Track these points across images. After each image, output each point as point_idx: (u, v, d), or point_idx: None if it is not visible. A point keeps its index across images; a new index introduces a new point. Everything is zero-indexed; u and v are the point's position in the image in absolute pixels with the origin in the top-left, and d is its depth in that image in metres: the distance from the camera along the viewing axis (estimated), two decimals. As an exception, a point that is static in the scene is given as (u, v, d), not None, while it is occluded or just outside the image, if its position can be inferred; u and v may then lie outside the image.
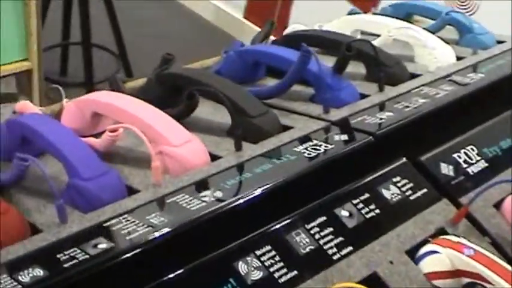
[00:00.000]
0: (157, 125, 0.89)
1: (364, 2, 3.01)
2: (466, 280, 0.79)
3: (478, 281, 0.78)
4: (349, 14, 1.48)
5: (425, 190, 0.90)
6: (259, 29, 1.33)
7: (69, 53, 3.24)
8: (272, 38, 1.34)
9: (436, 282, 0.80)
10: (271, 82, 1.17)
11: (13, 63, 2.47)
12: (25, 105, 0.99)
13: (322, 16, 1.45)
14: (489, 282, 0.77)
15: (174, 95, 1.05)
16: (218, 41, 3.71)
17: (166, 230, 0.74)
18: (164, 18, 4.05)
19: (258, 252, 0.75)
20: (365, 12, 1.50)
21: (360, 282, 0.76)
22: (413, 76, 1.19)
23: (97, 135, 0.94)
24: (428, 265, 0.81)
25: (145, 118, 0.90)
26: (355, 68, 1.19)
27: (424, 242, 0.84)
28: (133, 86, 1.12)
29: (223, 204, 0.79)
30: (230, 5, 4.00)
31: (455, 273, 0.80)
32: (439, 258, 0.80)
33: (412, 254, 0.82)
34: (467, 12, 2.82)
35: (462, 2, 2.86)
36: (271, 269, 0.74)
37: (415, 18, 1.52)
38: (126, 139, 0.95)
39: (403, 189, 0.89)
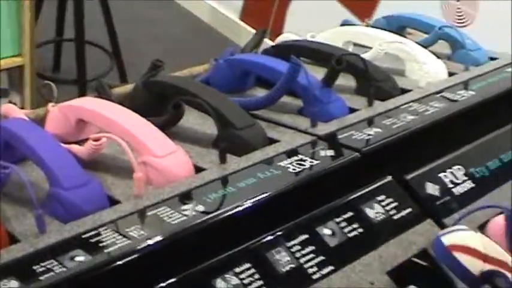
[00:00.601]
0: (141, 135, 0.88)
1: (361, 9, 3.01)
2: (488, 267, 0.78)
3: (502, 269, 0.77)
4: (342, 25, 1.47)
5: (409, 210, 0.90)
6: (255, 31, 1.33)
7: (63, 50, 3.23)
8: (270, 43, 1.32)
9: (456, 254, 0.78)
10: (260, 92, 1.16)
11: (5, 58, 2.46)
12: (10, 109, 0.98)
13: (318, 20, 1.45)
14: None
15: (160, 102, 1.04)
16: (214, 42, 3.70)
17: (145, 244, 0.73)
18: (161, 18, 4.04)
19: (237, 270, 0.74)
20: (361, 19, 1.49)
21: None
22: (404, 91, 1.18)
23: (81, 142, 0.93)
24: (457, 238, 0.81)
25: (129, 127, 0.89)
26: (346, 80, 1.19)
27: (406, 263, 0.83)
28: (121, 91, 1.11)
29: (204, 219, 0.78)
30: (227, 7, 3.99)
31: (482, 256, 0.79)
32: (472, 236, 0.80)
33: (394, 275, 0.81)
34: (463, 24, 2.82)
35: (458, 14, 2.87)
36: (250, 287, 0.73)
37: (408, 31, 1.51)
38: (110, 146, 0.94)
39: (387, 208, 0.88)
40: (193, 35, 3.90)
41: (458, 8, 2.87)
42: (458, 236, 0.81)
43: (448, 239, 0.80)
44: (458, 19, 2.85)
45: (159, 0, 4.19)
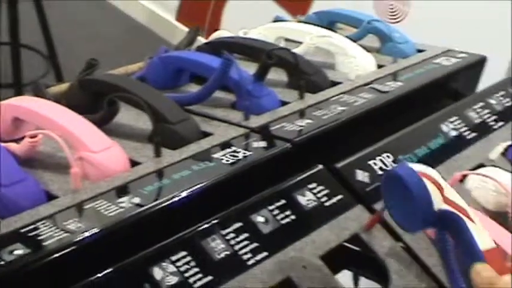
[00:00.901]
0: (76, 131, 0.90)
1: (296, 8, 3.04)
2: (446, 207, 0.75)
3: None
4: (274, 21, 1.50)
5: (340, 196, 0.92)
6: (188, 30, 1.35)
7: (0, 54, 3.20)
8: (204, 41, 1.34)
9: (425, 180, 0.75)
10: (194, 88, 1.18)
11: None
12: None
13: (255, 18, 1.47)
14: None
15: (96, 100, 1.05)
16: (149, 43, 3.71)
17: (83, 236, 0.75)
18: (96, 19, 4.03)
19: (174, 258, 0.76)
20: (293, 15, 1.52)
21: (273, 287, 0.78)
22: (334, 84, 1.21)
23: (18, 140, 0.94)
24: (422, 168, 0.77)
25: (65, 124, 0.90)
26: (277, 75, 1.21)
27: (339, 248, 0.86)
28: (58, 91, 1.13)
29: (140, 210, 0.80)
30: (162, 8, 4.00)
31: (443, 196, 0.76)
32: (436, 173, 0.77)
33: (326, 259, 0.84)
34: (396, 20, 2.86)
35: (391, 10, 2.90)
36: (186, 274, 0.75)
37: (339, 26, 1.54)
38: (47, 144, 0.95)
39: (319, 195, 0.91)
40: (128, 36, 3.89)
41: (391, 5, 2.90)
42: (423, 167, 0.77)
43: (415, 166, 0.77)
44: (391, 16, 2.88)
45: (93, 1, 4.18)
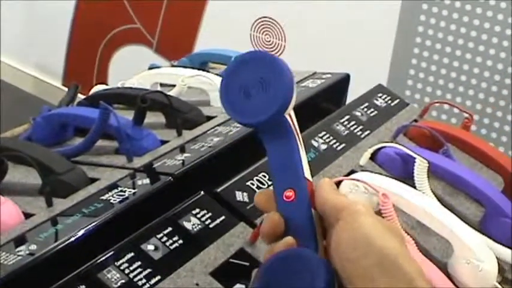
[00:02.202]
0: (-31, 193, 0.96)
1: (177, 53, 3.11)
2: None
3: None
4: (149, 68, 1.58)
5: (223, 217, 1.00)
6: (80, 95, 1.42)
7: None
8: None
9: None
10: (79, 141, 1.25)
11: None
12: None
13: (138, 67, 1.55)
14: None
15: (-14, 164, 1.11)
16: (38, 110, 3.71)
17: (-15, 286, 0.81)
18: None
19: (73, 292, 0.83)
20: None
21: (168, 306, 0.85)
22: (209, 118, 1.30)
23: None
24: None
25: (-43, 188, 0.96)
26: (156, 117, 1.29)
27: (226, 263, 0.94)
28: None
29: (38, 254, 0.86)
30: (48, 74, 4.02)
31: None
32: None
33: (216, 275, 0.91)
34: (275, 53, 2.96)
35: (268, 44, 3.01)
36: (87, 306, 0.82)
37: (211, 66, 1.63)
38: None
39: (203, 219, 0.98)
40: (17, 106, 3.89)
41: (268, 41, 3.01)
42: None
43: None
44: (269, 50, 2.99)
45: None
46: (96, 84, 1.49)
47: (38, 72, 4.08)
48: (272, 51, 2.96)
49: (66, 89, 3.78)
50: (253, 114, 0.74)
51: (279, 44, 2.97)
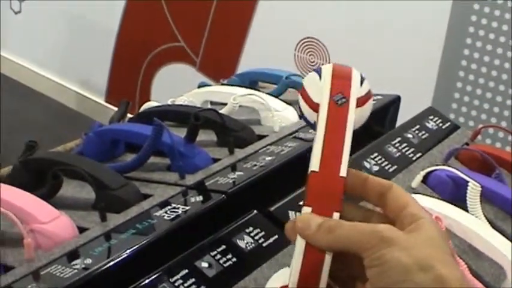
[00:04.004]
0: (25, 206, 0.96)
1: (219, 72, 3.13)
2: None
3: None
4: (199, 86, 1.59)
5: (276, 236, 1.00)
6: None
7: None
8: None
9: None
10: (130, 157, 1.25)
11: None
12: None
13: (182, 90, 1.55)
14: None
15: (40, 178, 1.11)
16: (81, 126, 3.74)
17: (43, 298, 0.81)
18: (25, 108, 4.06)
19: (129, 308, 0.83)
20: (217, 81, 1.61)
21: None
22: (261, 137, 1.30)
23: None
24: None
25: (13, 200, 0.97)
26: (207, 136, 1.30)
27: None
28: (0, 174, 1.19)
29: (93, 269, 0.87)
30: (91, 91, 4.06)
31: None
32: None
33: (269, 294, 0.91)
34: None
35: (312, 65, 3.01)
36: (141, 323, 0.82)
37: (260, 85, 1.64)
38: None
39: (256, 238, 0.98)
40: (59, 122, 3.93)
41: (312, 61, 3.02)
42: None
43: None
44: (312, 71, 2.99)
45: (21, 90, 4.22)
46: (143, 102, 1.49)
47: (81, 89, 4.11)
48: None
49: (108, 106, 3.84)
50: None
51: (323, 64, 2.97)
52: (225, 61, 3.33)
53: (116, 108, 1.44)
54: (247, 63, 3.18)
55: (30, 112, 4.04)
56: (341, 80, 0.71)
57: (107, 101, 3.98)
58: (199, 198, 1.05)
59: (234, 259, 0.94)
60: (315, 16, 2.93)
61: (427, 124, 1.36)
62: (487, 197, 1.18)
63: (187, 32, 3.47)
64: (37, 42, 4.28)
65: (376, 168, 1.20)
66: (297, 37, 3.01)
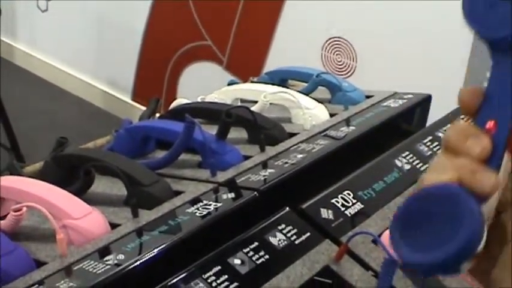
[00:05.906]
0: (57, 201, 0.96)
1: (246, 71, 3.13)
2: None
3: None
4: (229, 84, 1.58)
5: (308, 234, 0.99)
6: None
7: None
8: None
9: None
10: (161, 154, 1.25)
11: None
12: None
13: (208, 89, 1.55)
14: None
15: (71, 174, 1.12)
16: (108, 124, 3.76)
17: (76, 293, 0.81)
18: (53, 107, 4.08)
19: (162, 304, 0.83)
20: (244, 81, 1.61)
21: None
22: (291, 135, 1.29)
23: (3, 218, 1.00)
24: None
25: (46, 196, 0.97)
26: (238, 133, 1.29)
27: (311, 280, 0.93)
28: (32, 170, 1.19)
29: (126, 264, 0.87)
30: (117, 89, 4.07)
31: None
32: None
33: (302, 292, 0.91)
34: (344, 74, 2.95)
35: (338, 65, 3.00)
36: (174, 318, 0.82)
37: (290, 83, 1.63)
38: (30, 218, 1.01)
39: (288, 235, 0.98)
40: (87, 120, 3.95)
41: (339, 61, 3.00)
42: None
43: None
44: (339, 70, 2.99)
45: (49, 89, 4.25)
46: (169, 101, 1.49)
47: (108, 87, 4.13)
48: (343, 71, 2.96)
49: (135, 104, 3.85)
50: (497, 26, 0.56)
51: (350, 64, 2.96)
52: (252, 60, 3.33)
53: (142, 107, 1.44)
54: (274, 62, 3.17)
55: (58, 111, 4.06)
56: None
57: (133, 100, 3.98)
58: (231, 195, 1.05)
59: (267, 256, 0.94)
60: (342, 16, 2.92)
61: (458, 123, 1.35)
62: None
63: (214, 30, 3.47)
64: (64, 41, 4.30)
65: (407, 166, 1.19)
66: (323, 37, 3.00)
